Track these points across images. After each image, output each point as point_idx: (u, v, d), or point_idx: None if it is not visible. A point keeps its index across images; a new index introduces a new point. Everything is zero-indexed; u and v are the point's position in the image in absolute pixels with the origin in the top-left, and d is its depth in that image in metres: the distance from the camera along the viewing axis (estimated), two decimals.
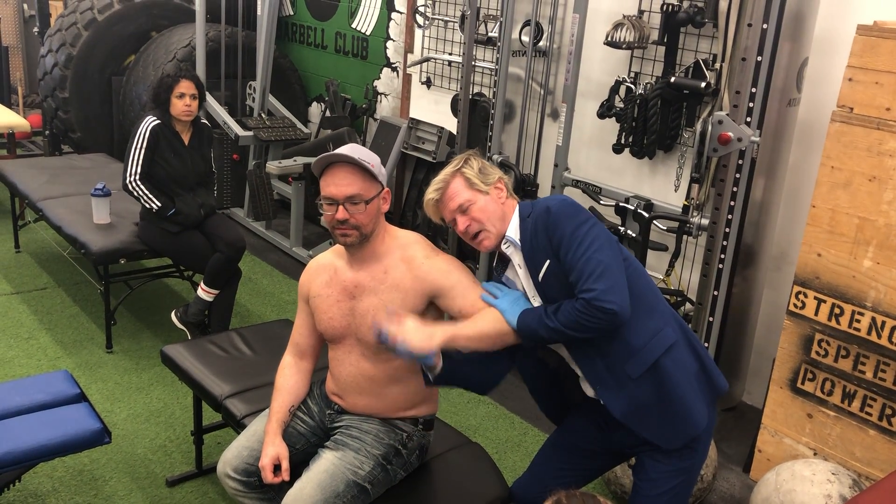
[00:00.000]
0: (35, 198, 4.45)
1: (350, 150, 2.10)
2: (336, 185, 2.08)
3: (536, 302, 2.12)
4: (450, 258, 2.21)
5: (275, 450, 2.18)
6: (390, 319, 2.00)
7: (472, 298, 2.12)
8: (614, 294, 1.93)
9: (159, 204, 3.71)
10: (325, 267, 2.27)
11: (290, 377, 2.33)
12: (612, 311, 1.92)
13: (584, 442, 2.30)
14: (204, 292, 3.84)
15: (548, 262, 2.05)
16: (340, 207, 2.08)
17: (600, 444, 2.28)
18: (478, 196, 2.11)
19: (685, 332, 2.16)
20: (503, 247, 2.15)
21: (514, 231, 2.13)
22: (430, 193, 2.16)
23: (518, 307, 2.08)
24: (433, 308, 2.18)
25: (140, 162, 3.69)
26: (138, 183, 3.69)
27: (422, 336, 1.99)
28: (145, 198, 3.71)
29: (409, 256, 2.16)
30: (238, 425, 2.60)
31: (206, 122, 4.04)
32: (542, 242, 2.05)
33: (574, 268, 1.98)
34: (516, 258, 2.14)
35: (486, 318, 2.07)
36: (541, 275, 2.07)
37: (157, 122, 3.71)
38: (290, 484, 2.13)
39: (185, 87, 3.71)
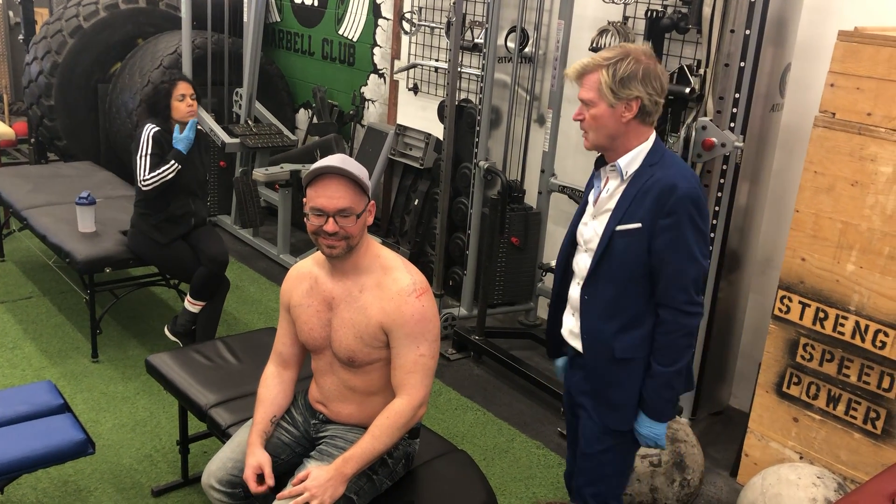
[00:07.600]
0: (20, 206, 4.43)
1: (340, 161, 2.07)
2: (328, 196, 2.05)
3: (590, 224, 2.15)
4: (423, 309, 2.11)
5: (255, 460, 2.16)
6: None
7: (409, 361, 2.11)
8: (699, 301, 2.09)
9: (177, 165, 3.62)
10: (306, 276, 2.25)
11: (272, 388, 2.31)
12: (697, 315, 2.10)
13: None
14: (190, 304, 3.83)
15: (639, 224, 2.04)
16: (330, 220, 2.05)
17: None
18: (601, 103, 2.03)
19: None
20: (608, 168, 2.14)
21: (627, 162, 2.09)
22: (578, 65, 2.07)
23: (655, 423, 2.16)
24: None
25: (150, 162, 3.62)
26: (150, 174, 3.61)
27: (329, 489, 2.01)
28: (162, 174, 3.61)
29: (385, 284, 2.13)
30: (223, 435, 2.59)
31: (202, 128, 4.00)
32: (647, 207, 2.04)
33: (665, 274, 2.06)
34: (613, 184, 2.12)
35: (383, 431, 2.09)
36: (623, 227, 2.06)
37: (158, 129, 3.68)
38: (275, 492, 2.12)
39: (184, 88, 3.69)
